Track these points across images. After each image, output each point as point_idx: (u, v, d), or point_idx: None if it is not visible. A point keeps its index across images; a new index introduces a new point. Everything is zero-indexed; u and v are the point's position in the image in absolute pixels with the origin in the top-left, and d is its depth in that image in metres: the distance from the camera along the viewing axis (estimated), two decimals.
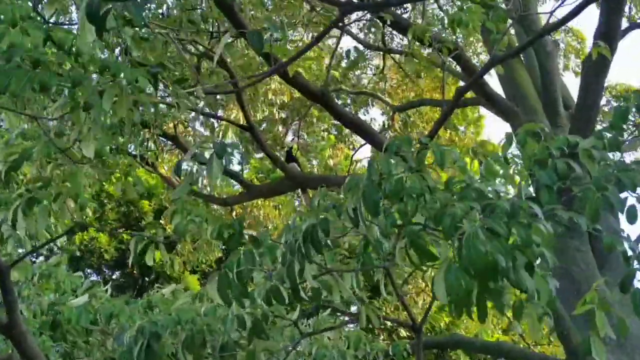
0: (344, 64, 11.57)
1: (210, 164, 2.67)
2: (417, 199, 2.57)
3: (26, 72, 2.29)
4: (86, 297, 4.26)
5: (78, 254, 14.68)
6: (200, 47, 6.62)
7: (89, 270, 14.96)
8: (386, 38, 10.33)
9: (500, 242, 2.29)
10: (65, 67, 2.47)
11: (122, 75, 2.54)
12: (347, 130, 11.70)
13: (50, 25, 2.85)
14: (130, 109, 2.63)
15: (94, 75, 2.61)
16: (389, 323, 11.59)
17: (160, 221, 11.89)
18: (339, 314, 5.07)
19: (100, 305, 4.40)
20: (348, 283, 3.31)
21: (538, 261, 2.46)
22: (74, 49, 2.52)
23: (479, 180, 2.77)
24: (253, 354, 3.18)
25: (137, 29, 4.83)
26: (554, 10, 4.50)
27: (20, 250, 3.86)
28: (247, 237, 2.89)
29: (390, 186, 2.60)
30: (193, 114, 9.41)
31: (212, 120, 9.99)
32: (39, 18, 2.74)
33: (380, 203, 2.70)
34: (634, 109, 3.21)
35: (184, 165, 2.93)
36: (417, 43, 6.58)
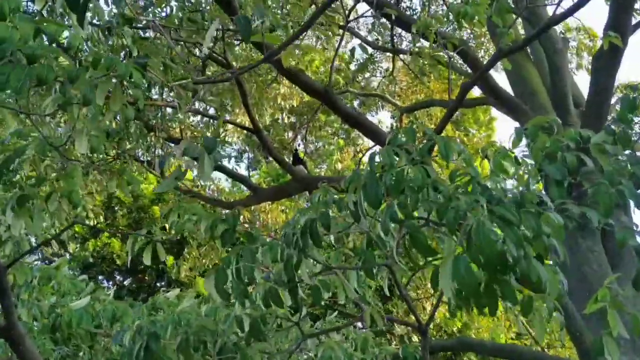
0: (352, 66, 11.52)
1: (202, 160, 2.60)
2: (418, 191, 2.47)
3: (24, 67, 2.24)
4: (88, 299, 4.20)
5: (91, 260, 14.71)
6: (204, 49, 6.58)
7: (100, 277, 14.98)
8: (395, 40, 10.26)
9: (512, 229, 2.19)
10: (59, 62, 2.42)
11: (115, 69, 2.47)
12: (354, 134, 11.63)
13: (40, 18, 2.79)
14: (125, 104, 2.57)
15: (89, 70, 2.54)
16: (400, 329, 11.47)
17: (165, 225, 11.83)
18: (351, 319, 4.99)
19: (103, 308, 4.35)
20: (353, 283, 3.22)
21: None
22: (65, 42, 2.46)
23: (486, 177, 2.67)
24: (246, 357, 3.10)
25: (137, 30, 4.81)
26: (561, 1, 4.40)
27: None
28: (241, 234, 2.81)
29: (390, 178, 2.51)
30: (199, 118, 9.37)
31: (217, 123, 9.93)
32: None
33: (383, 197, 2.60)
34: None
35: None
36: (424, 41, 6.50)
